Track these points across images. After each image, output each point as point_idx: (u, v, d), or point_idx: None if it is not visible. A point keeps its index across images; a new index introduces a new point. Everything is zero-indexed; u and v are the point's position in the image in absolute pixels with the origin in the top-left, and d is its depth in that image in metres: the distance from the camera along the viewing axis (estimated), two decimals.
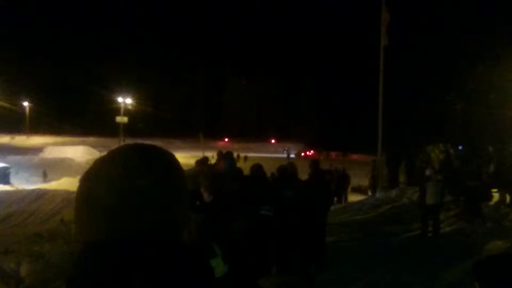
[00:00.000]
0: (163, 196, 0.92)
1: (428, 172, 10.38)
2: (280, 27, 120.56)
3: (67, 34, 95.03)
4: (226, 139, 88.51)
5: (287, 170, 6.22)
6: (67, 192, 17.39)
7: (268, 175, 7.68)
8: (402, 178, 17.55)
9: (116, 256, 0.86)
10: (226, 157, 9.41)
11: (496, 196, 12.04)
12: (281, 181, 6.17)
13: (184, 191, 0.99)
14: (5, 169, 22.70)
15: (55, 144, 54.69)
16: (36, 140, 66.70)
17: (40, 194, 18.29)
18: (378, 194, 16.88)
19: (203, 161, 8.24)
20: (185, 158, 41.01)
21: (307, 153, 72.09)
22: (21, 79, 76.19)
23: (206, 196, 3.59)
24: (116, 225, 0.88)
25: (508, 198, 12.08)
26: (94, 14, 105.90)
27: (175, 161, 1.02)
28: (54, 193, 18.66)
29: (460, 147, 18.91)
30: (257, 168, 5.77)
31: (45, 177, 29.16)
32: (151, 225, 0.90)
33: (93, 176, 0.93)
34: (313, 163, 7.94)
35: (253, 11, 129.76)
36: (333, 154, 70.93)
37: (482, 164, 12.60)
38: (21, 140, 68.52)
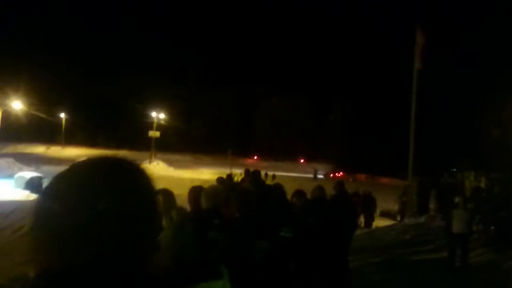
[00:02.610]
0: (127, 219, 0.82)
1: (457, 199, 10.13)
2: (313, 46, 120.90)
3: (104, 49, 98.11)
4: (255, 157, 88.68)
5: (304, 195, 6.16)
6: None
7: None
8: (432, 205, 17.17)
9: None
10: (252, 175, 9.49)
11: None
12: (303, 205, 6.15)
13: (153, 213, 0.88)
14: (39, 179, 23.32)
15: (89, 155, 55.96)
16: (70, 151, 68.47)
17: None
18: (406, 220, 16.56)
19: (223, 179, 8.32)
20: (213, 174, 41.39)
21: (336, 174, 71.36)
22: (58, 91, 78.71)
23: (232, 213, 3.63)
24: (70, 253, 0.77)
25: None
26: (131, 31, 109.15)
27: (144, 177, 0.90)
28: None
29: (493, 176, 18.41)
30: (278, 189, 5.79)
31: None
32: (112, 253, 0.79)
33: (48, 195, 0.84)
34: (338, 184, 7.90)
35: (287, 30, 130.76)
36: (362, 177, 69.96)
37: None
38: (56, 150, 70.49)
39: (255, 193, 4.57)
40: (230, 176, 10.20)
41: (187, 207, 4.14)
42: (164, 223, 2.78)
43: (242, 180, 10.09)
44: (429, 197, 16.95)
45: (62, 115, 77.47)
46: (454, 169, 17.34)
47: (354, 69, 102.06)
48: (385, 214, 23.54)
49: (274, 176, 46.64)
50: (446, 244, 10.16)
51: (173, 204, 2.92)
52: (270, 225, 4.49)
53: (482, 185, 16.00)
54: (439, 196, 16.56)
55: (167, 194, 3.03)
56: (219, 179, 8.15)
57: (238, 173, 18.69)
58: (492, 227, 11.51)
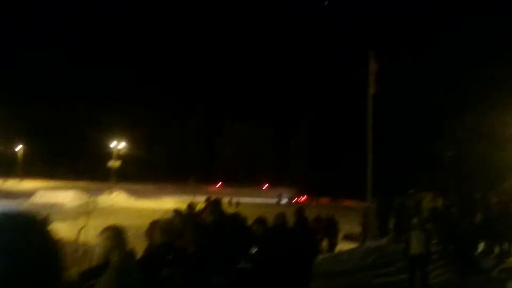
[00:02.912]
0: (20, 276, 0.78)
1: (414, 220, 10.37)
2: (274, 74, 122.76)
3: (59, 78, 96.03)
4: (219, 184, 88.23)
5: (265, 222, 6.17)
6: None
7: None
8: (392, 226, 17.46)
9: None
10: (213, 204, 9.41)
11: (481, 246, 11.99)
12: (263, 233, 6.14)
13: (50, 268, 0.85)
14: None
15: (47, 188, 54.20)
16: (28, 184, 66.13)
17: None
18: (368, 243, 16.74)
19: (180, 211, 8.17)
20: (176, 202, 40.69)
21: (300, 198, 71.77)
22: (14, 123, 76.47)
23: (187, 247, 3.57)
24: None
25: (497, 248, 12.00)
26: (85, 57, 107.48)
27: (43, 235, 0.87)
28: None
29: (449, 196, 18.95)
30: (236, 219, 5.77)
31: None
32: None
33: None
34: (298, 211, 7.96)
35: (245, 57, 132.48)
36: (325, 200, 70.65)
37: (469, 213, 12.63)
38: (13, 184, 67.90)
39: (211, 225, 4.53)
40: (190, 206, 10.04)
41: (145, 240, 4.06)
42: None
43: (203, 209, 9.99)
44: (388, 219, 17.24)
45: (18, 147, 75.30)
46: (412, 191, 17.72)
47: (313, 94, 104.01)
48: (349, 237, 23.71)
49: (238, 204, 46.48)
50: (406, 266, 10.33)
51: (121, 243, 2.81)
52: (227, 257, 4.46)
53: (439, 205, 16.42)
54: (398, 217, 16.88)
55: (118, 232, 2.92)
56: (176, 211, 7.99)
57: (201, 201, 18.49)
58: (451, 247, 11.76)
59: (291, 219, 8.01)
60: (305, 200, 70.23)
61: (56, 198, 40.66)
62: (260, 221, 6.37)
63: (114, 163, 48.02)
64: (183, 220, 6.22)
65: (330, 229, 19.25)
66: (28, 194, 46.23)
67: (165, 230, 3.46)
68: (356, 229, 24.33)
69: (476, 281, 10.05)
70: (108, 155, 50.18)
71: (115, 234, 2.85)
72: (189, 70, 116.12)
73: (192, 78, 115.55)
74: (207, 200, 9.84)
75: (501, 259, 10.83)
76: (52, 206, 36.54)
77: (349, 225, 24.91)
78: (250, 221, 6.43)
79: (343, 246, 19.68)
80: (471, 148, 32.83)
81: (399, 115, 63.56)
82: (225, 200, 43.63)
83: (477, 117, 32.07)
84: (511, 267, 10.27)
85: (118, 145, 50.89)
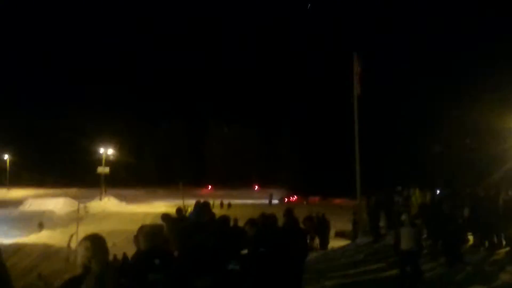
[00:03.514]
0: None
1: (403, 216, 10.41)
2: (259, 75, 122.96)
3: (47, 85, 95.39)
4: (210, 187, 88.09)
5: (257, 224, 6.17)
6: (46, 246, 17.09)
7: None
8: (382, 223, 17.57)
9: None
10: (202, 207, 9.38)
11: (471, 239, 12.12)
12: (255, 234, 6.14)
13: None
14: None
15: (37, 196, 53.71)
16: (17, 193, 65.51)
17: (17, 249, 17.87)
18: (359, 240, 16.84)
19: (168, 216, 8.16)
20: (167, 206, 40.70)
21: (291, 198, 71.92)
22: (1, 131, 75.71)
23: (173, 251, 3.57)
24: None
25: (487, 242, 12.13)
26: (74, 64, 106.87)
27: None
28: (32, 247, 18.22)
29: (438, 191, 19.11)
30: (224, 221, 5.76)
31: (41, 227, 28.87)
32: None
33: None
34: (287, 211, 7.96)
35: (232, 61, 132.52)
36: (315, 199, 70.90)
37: (458, 207, 12.74)
38: (1, 193, 67.16)
39: (197, 228, 4.52)
40: (180, 210, 10.03)
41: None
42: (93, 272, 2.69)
43: (192, 213, 9.97)
44: (379, 216, 17.34)
45: (6, 156, 74.53)
46: (400, 187, 17.83)
47: (301, 95, 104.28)
48: (340, 234, 23.87)
49: (229, 205, 46.51)
50: (397, 262, 10.40)
51: (104, 251, 2.78)
52: (215, 259, 4.46)
53: (428, 201, 16.55)
54: (388, 214, 17.00)
55: (97, 240, 2.88)
56: (164, 216, 7.98)
57: (192, 204, 18.48)
58: (440, 241, 11.84)
59: (282, 220, 8.05)
60: (295, 200, 70.37)
61: (46, 206, 40.31)
62: (252, 221, 6.39)
63: (103, 169, 47.68)
64: (171, 224, 6.22)
65: (321, 227, 19.38)
66: (18, 202, 45.81)
67: (150, 236, 3.44)
68: (347, 226, 24.53)
69: (466, 274, 10.14)
70: (97, 161, 49.80)
71: (94, 243, 2.81)
72: (175, 75, 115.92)
73: (179, 82, 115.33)
74: (197, 203, 9.79)
75: (491, 251, 10.95)
76: (43, 213, 36.28)
77: (339, 223, 25.08)
78: (242, 222, 6.45)
79: (334, 243, 19.81)
80: (457, 144, 33.23)
81: (385, 113, 64.17)
82: (217, 202, 43.84)
83: (461, 113, 32.49)
84: (501, 259, 10.38)
85: (107, 151, 50.50)
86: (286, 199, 69.61)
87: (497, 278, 9.08)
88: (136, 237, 3.89)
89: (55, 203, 41.46)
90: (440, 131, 35.08)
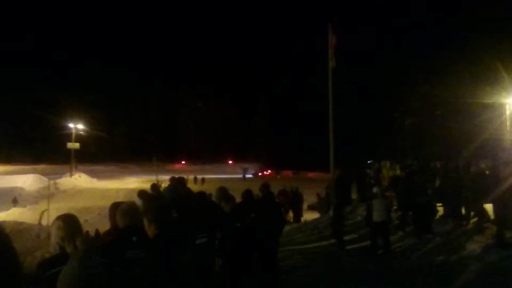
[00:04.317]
0: None
1: (375, 189, 10.63)
2: (233, 49, 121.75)
3: (14, 59, 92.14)
4: (183, 162, 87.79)
5: (232, 198, 6.16)
6: (16, 223, 16.75)
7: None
8: (354, 195, 17.90)
9: None
10: (177, 183, 9.35)
11: (440, 210, 12.43)
12: (231, 209, 6.14)
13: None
14: None
15: (5, 173, 52.35)
16: None
17: None
18: (331, 212, 17.10)
19: (145, 192, 8.08)
20: (140, 182, 40.43)
21: (264, 172, 72.49)
22: None
23: (151, 231, 3.53)
24: None
25: (456, 213, 12.41)
26: (42, 38, 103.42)
27: None
28: (1, 225, 17.84)
29: (409, 163, 19.53)
30: (201, 196, 5.77)
31: (15, 203, 28.23)
32: None
33: None
34: (263, 186, 8.01)
35: (205, 34, 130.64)
36: (288, 173, 71.71)
37: (428, 179, 13.04)
38: None
39: (170, 206, 4.48)
40: (155, 186, 9.96)
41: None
42: (69, 252, 2.66)
43: (167, 189, 9.93)
44: (350, 189, 17.65)
45: None
46: (371, 160, 18.14)
47: (274, 69, 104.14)
48: (312, 208, 24.20)
49: (203, 180, 46.48)
50: (369, 233, 10.66)
51: (77, 230, 2.75)
52: (193, 234, 4.47)
53: (398, 173, 16.91)
54: (360, 186, 17.32)
55: (69, 219, 2.85)
56: (141, 193, 7.90)
57: (166, 179, 18.39)
58: (410, 213, 12.12)
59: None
60: (269, 174, 71.01)
61: (14, 183, 39.28)
62: (227, 197, 6.38)
63: (73, 145, 46.72)
64: (147, 201, 6.18)
65: (295, 201, 19.61)
66: None
67: (126, 214, 3.39)
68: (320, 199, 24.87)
69: (435, 245, 10.43)
70: (67, 137, 48.70)
71: (67, 223, 2.79)
72: (149, 48, 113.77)
73: (153, 56, 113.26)
74: (171, 178, 9.75)
75: (460, 222, 11.28)
76: (11, 190, 35.42)
77: (312, 196, 25.40)
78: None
79: (307, 216, 20.10)
80: (428, 115, 33.79)
81: (357, 87, 64.82)
82: (191, 177, 43.73)
83: (433, 84, 32.98)
84: (469, 230, 10.70)
85: (77, 126, 49.41)
86: (259, 173, 70.10)
87: (465, 248, 9.38)
88: (110, 214, 3.84)
89: (24, 179, 40.46)
90: (411, 104, 35.62)
